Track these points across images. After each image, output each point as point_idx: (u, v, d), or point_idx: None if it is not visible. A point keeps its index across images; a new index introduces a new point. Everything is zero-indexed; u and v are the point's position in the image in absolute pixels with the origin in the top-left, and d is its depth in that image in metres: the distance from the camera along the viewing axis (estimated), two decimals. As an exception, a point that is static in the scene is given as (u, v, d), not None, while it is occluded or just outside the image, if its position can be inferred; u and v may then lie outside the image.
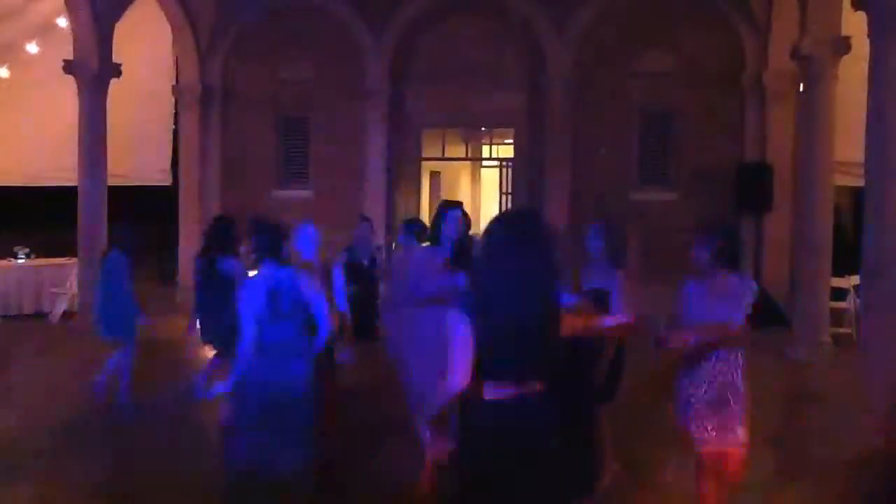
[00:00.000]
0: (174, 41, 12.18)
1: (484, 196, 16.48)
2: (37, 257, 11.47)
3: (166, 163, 12.83)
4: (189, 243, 11.86)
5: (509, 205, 12.66)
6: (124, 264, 6.34)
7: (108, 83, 10.09)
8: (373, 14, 12.01)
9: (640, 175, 11.90)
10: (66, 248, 10.98)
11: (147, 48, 12.04)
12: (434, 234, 4.87)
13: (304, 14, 12.26)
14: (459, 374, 2.63)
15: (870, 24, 6.43)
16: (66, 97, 10.25)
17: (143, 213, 13.10)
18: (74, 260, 10.41)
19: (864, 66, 6.55)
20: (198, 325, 6.36)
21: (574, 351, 3.37)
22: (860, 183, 6.93)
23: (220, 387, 5.86)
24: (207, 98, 12.44)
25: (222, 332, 5.43)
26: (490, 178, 15.17)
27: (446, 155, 13.90)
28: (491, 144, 14.67)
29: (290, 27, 12.32)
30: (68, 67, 9.93)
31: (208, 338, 6.30)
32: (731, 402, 3.61)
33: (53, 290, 10.97)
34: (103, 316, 6.34)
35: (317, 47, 12.31)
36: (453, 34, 12.09)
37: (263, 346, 3.97)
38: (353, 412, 5.58)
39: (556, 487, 2.68)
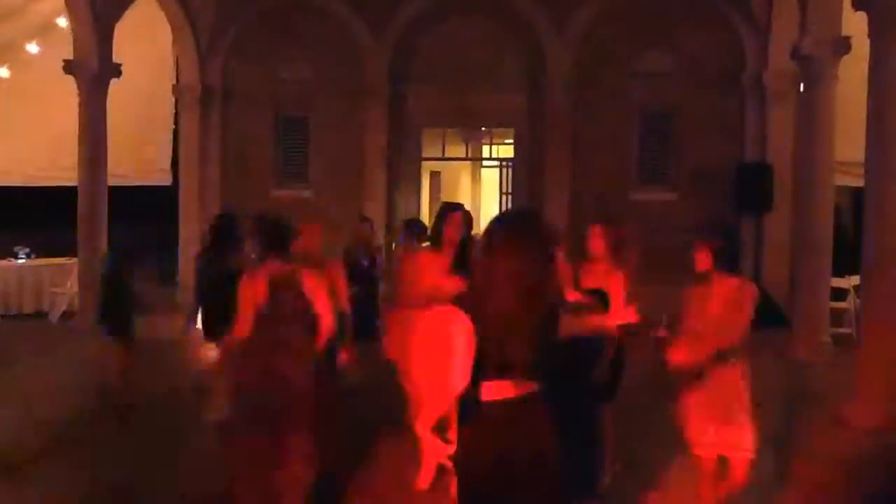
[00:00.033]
0: (174, 41, 12.17)
1: (484, 196, 16.48)
2: (37, 257, 11.47)
3: (166, 162, 12.83)
4: (189, 243, 11.85)
5: (509, 205, 12.67)
6: (116, 263, 6.38)
7: (108, 83, 10.10)
8: (373, 14, 12.01)
9: (640, 175, 11.90)
10: (66, 248, 10.98)
11: (147, 48, 12.04)
12: (435, 235, 4.87)
13: (303, 14, 12.26)
14: (460, 375, 2.63)
15: (870, 24, 6.43)
16: (66, 97, 10.24)
17: (143, 212, 13.12)
18: (74, 260, 10.41)
19: (864, 66, 6.55)
20: (199, 324, 6.35)
21: (574, 351, 3.37)
22: (860, 183, 6.93)
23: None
24: (207, 98, 12.43)
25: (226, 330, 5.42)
26: (490, 178, 15.17)
27: (446, 155, 13.91)
28: (491, 144, 14.67)
29: (290, 27, 12.32)
30: (68, 67, 9.94)
31: (211, 336, 6.28)
32: (735, 408, 3.60)
33: (53, 290, 10.97)
34: (103, 315, 6.36)
35: (316, 47, 12.30)
36: (453, 34, 12.09)
37: (264, 343, 3.96)
38: (353, 412, 5.57)
39: (555, 488, 2.68)
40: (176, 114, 12.68)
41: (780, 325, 8.96)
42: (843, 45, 8.26)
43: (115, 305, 6.38)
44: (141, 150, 12.41)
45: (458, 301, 2.83)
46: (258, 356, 3.99)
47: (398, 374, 4.98)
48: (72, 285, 10.65)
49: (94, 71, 9.87)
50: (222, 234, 6.07)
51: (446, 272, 4.62)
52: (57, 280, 11.04)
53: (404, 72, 12.28)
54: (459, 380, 2.64)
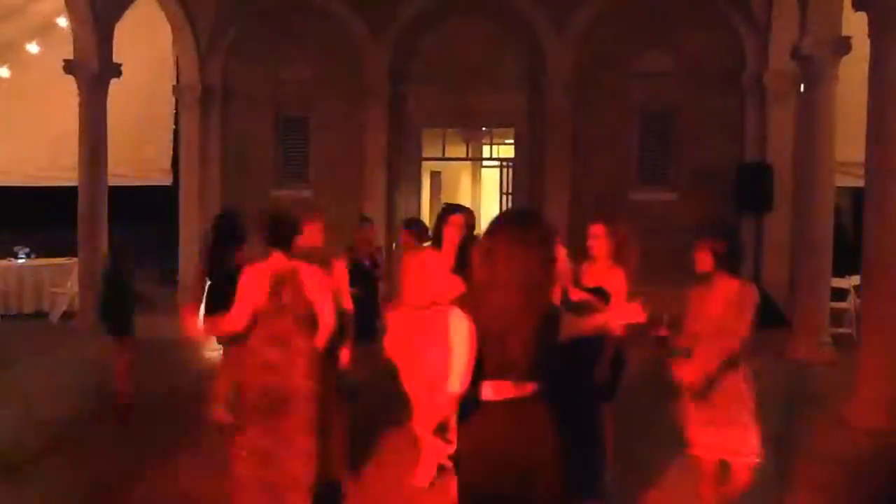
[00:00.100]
0: (174, 41, 12.17)
1: (484, 196, 16.48)
2: (37, 257, 11.47)
3: (166, 162, 12.84)
4: (189, 243, 11.87)
5: (510, 205, 12.66)
6: (117, 262, 6.40)
7: (108, 83, 10.10)
8: (373, 14, 12.01)
9: (640, 175, 11.90)
10: (66, 248, 10.98)
11: (147, 48, 12.04)
12: (436, 236, 4.87)
13: (303, 14, 12.25)
14: (461, 375, 2.63)
15: (870, 24, 6.43)
16: (66, 97, 10.25)
17: (144, 212, 13.14)
18: (74, 260, 10.41)
19: (865, 67, 6.55)
20: (201, 320, 6.35)
21: (574, 350, 3.37)
22: (860, 183, 6.93)
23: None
24: (207, 98, 12.44)
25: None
26: (490, 178, 15.17)
27: (446, 155, 13.90)
28: (491, 144, 14.67)
29: (290, 27, 12.32)
30: (68, 67, 9.94)
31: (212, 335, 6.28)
32: (737, 411, 3.59)
33: (53, 290, 10.97)
34: (104, 315, 6.37)
35: (316, 47, 12.30)
36: (453, 34, 12.09)
37: (264, 338, 3.96)
38: (354, 412, 5.57)
39: (555, 488, 2.68)
40: (176, 114, 12.68)
41: (780, 326, 8.97)
42: (843, 45, 8.25)
43: (116, 304, 6.38)
44: (141, 150, 12.42)
45: (459, 301, 2.83)
46: (258, 351, 3.99)
47: (398, 374, 5.00)
48: (72, 285, 10.65)
49: (94, 71, 9.87)
50: (224, 233, 6.07)
51: (447, 273, 4.64)
52: (57, 280, 11.04)
53: (404, 72, 12.29)
54: (460, 380, 2.64)
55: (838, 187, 9.06)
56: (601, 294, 4.24)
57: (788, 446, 5.40)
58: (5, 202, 13.92)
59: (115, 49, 10.12)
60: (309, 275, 4.04)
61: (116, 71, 10.18)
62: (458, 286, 4.18)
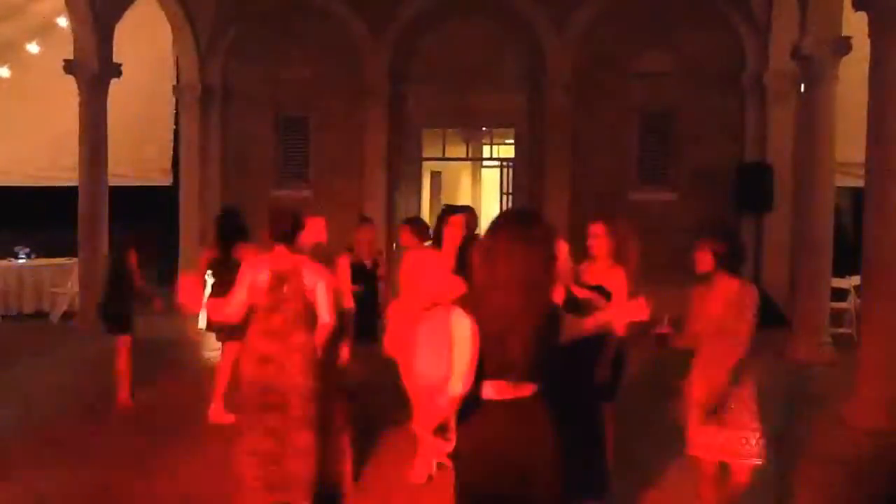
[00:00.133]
0: (174, 41, 12.18)
1: (484, 196, 16.48)
2: (37, 257, 11.47)
3: (167, 162, 12.84)
4: (189, 243, 11.87)
5: (510, 205, 12.66)
6: (119, 254, 6.41)
7: (108, 83, 10.11)
8: (373, 14, 12.01)
9: (639, 175, 11.90)
10: (66, 248, 10.98)
11: (147, 48, 12.04)
12: (436, 236, 4.87)
13: (303, 14, 12.25)
14: (464, 376, 2.63)
15: (870, 24, 6.43)
16: (66, 97, 10.25)
17: (143, 212, 13.11)
18: (74, 260, 10.41)
19: (865, 67, 6.55)
20: (201, 323, 6.36)
21: (574, 350, 3.36)
22: (860, 183, 6.93)
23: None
24: (207, 98, 12.44)
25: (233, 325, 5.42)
26: (490, 178, 15.16)
27: (446, 155, 13.89)
28: (491, 144, 14.66)
29: (290, 27, 12.32)
30: (68, 67, 9.94)
31: (215, 329, 6.28)
32: (739, 413, 3.59)
33: (53, 290, 10.97)
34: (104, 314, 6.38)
35: (316, 47, 12.30)
36: (453, 34, 12.09)
37: (263, 333, 3.96)
38: (353, 412, 5.57)
39: (555, 488, 2.67)
40: (176, 114, 12.68)
41: (780, 326, 8.96)
42: (843, 45, 8.25)
43: (116, 303, 6.39)
44: (141, 150, 12.42)
45: (460, 301, 2.82)
46: (255, 345, 3.99)
47: (398, 373, 5.00)
48: (72, 285, 10.65)
49: (94, 71, 9.87)
50: (227, 230, 6.08)
51: (448, 273, 4.64)
52: (57, 280, 11.04)
53: (404, 72, 12.28)
54: (463, 381, 2.63)
55: (838, 187, 9.05)
56: (602, 293, 4.24)
57: (788, 446, 5.40)
58: (5, 202, 13.89)
59: (115, 49, 10.13)
60: (310, 271, 4.04)
61: (116, 71, 10.19)
62: (458, 286, 4.17)
